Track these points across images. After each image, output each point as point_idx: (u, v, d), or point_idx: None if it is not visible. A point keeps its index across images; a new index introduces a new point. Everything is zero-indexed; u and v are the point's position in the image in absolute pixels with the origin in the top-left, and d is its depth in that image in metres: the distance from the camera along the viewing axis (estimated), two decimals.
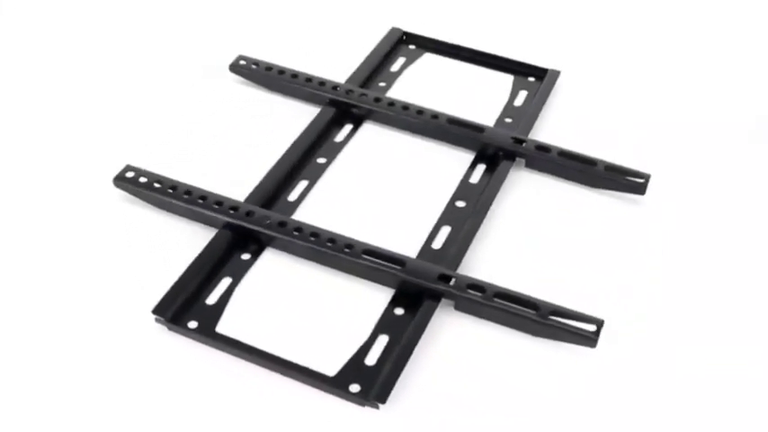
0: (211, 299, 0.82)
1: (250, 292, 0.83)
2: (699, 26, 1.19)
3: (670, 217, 0.92)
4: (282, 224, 0.86)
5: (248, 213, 0.87)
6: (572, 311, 0.78)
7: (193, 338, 0.79)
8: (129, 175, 0.91)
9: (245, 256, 0.86)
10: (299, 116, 1.02)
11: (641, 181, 0.92)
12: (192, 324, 0.79)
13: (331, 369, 0.76)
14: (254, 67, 1.07)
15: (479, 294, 0.80)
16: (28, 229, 0.89)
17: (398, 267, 0.82)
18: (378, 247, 0.84)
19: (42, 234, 0.89)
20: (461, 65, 1.12)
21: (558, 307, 0.79)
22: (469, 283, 0.81)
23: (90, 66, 1.11)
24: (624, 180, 0.93)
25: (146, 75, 1.09)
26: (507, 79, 1.09)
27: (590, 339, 0.77)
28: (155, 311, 0.79)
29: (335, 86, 1.03)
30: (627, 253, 0.88)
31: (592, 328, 0.78)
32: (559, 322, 0.78)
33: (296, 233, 0.85)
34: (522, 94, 1.07)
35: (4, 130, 1.01)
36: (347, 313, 0.81)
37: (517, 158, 0.96)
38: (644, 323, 0.81)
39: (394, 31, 1.15)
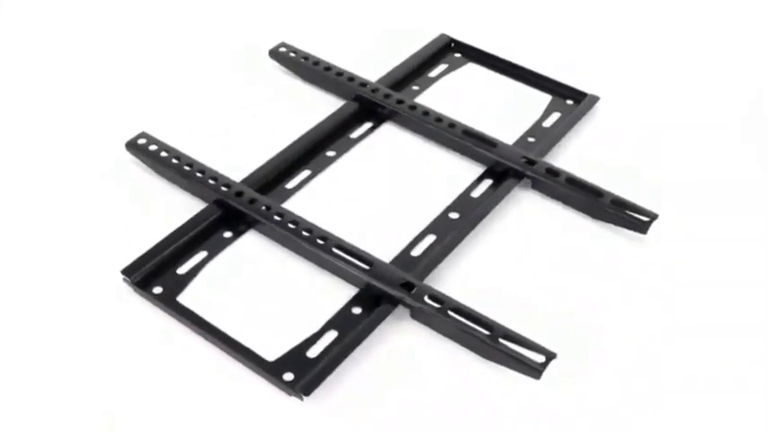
0: (183, 269, 0.85)
1: (221, 269, 0.85)
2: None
3: (669, 264, 0.87)
4: (267, 208, 0.87)
5: (238, 193, 0.89)
6: (525, 339, 0.76)
7: (153, 303, 0.81)
8: (141, 141, 0.95)
9: (227, 234, 0.88)
10: (323, 108, 1.03)
11: (645, 219, 0.88)
12: (157, 290, 0.82)
13: (272, 355, 0.77)
14: (292, 55, 1.09)
15: (436, 306, 0.78)
16: (34, 173, 0.95)
17: (365, 267, 0.82)
18: (351, 245, 0.84)
19: (48, 182, 0.94)
20: (502, 78, 1.10)
21: (512, 332, 0.77)
22: (431, 293, 0.79)
23: (146, 36, 1.16)
24: (628, 216, 0.88)
25: (193, 50, 1.13)
26: (544, 99, 1.07)
27: (535, 370, 0.74)
28: (124, 272, 0.82)
29: (364, 83, 1.04)
30: (613, 292, 0.84)
31: (540, 359, 0.75)
32: (508, 347, 0.75)
33: (277, 218, 0.86)
34: (555, 116, 1.04)
35: (51, 89, 1.07)
36: (306, 304, 0.82)
37: (525, 179, 0.94)
38: (599, 363, 0.77)
39: (442, 37, 1.14)
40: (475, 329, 0.77)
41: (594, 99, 1.04)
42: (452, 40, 1.14)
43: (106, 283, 0.83)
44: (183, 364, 0.77)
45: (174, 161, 0.93)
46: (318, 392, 0.74)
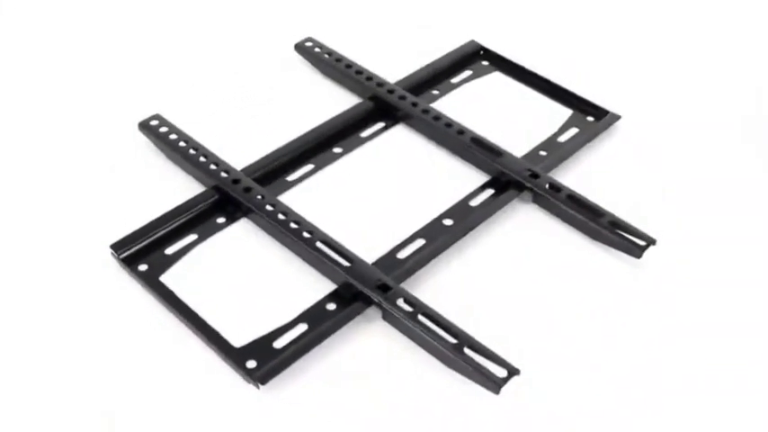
0: (171, 249, 0.86)
1: (208, 253, 0.87)
2: None
3: (663, 292, 0.84)
4: (260, 197, 0.88)
5: (235, 180, 0.90)
6: (490, 351, 0.75)
7: (136, 280, 0.83)
8: (154, 123, 0.98)
9: (221, 220, 0.90)
10: (339, 105, 1.04)
11: (641, 244, 0.85)
12: (142, 267, 0.84)
13: (240, 342, 0.77)
14: (316, 50, 1.10)
15: (407, 310, 0.78)
16: (51, 142, 0.99)
17: (345, 265, 0.82)
18: (335, 241, 0.84)
19: (62, 153, 0.98)
20: (526, 90, 1.08)
21: (479, 343, 0.76)
22: (405, 297, 0.79)
23: (182, 23, 1.19)
24: (624, 238, 0.86)
25: (223, 38, 1.16)
26: (565, 113, 1.05)
27: (495, 384, 0.73)
28: (112, 246, 0.84)
29: (381, 83, 1.04)
30: (598, 316, 0.81)
31: (502, 373, 0.73)
32: (470, 358, 0.74)
33: (268, 208, 0.87)
34: (572, 131, 1.01)
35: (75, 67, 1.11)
36: (284, 296, 0.82)
37: (526, 192, 0.92)
38: (568, 383, 0.76)
39: (471, 43, 1.13)
40: (441, 337, 0.76)
41: (615, 118, 1.02)
42: (482, 48, 1.13)
43: (97, 257, 0.85)
44: (154, 343, 0.79)
45: (182, 144, 0.95)
46: (277, 383, 0.75)
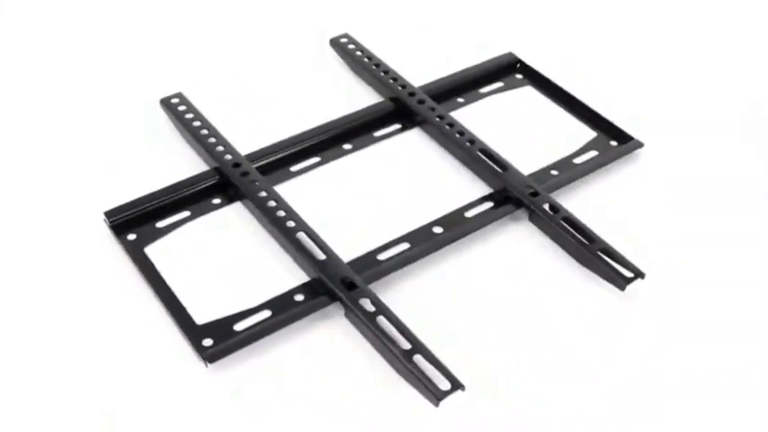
0: (162, 223, 0.89)
1: (196, 231, 0.89)
2: None
3: (648, 329, 0.81)
4: (253, 183, 0.90)
5: (235, 164, 0.92)
6: (440, 363, 0.74)
7: (121, 248, 0.86)
8: (175, 101, 1.01)
9: (216, 201, 0.92)
10: (361, 102, 1.04)
11: (627, 275, 0.82)
12: (131, 236, 0.87)
13: (203, 319, 0.79)
14: (350, 47, 1.11)
15: (368, 310, 0.78)
16: (75, 108, 1.04)
17: (318, 259, 0.82)
18: (315, 234, 0.85)
19: (84, 118, 1.03)
20: (555, 107, 1.06)
21: (431, 353, 0.75)
22: (370, 297, 0.79)
23: (226, 9, 1.22)
24: (610, 268, 0.83)
25: (263, 27, 1.18)
26: (589, 135, 1.02)
27: (434, 396, 0.72)
28: (106, 213, 0.88)
29: (404, 85, 1.04)
30: (572, 342, 0.79)
31: (445, 386, 0.72)
32: (416, 367, 0.73)
33: (260, 194, 0.89)
34: (591, 154, 0.99)
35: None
36: (259, 281, 0.83)
37: (524, 210, 0.90)
38: (517, 403, 0.74)
39: (508, 55, 1.12)
40: (394, 341, 0.75)
41: (637, 145, 0.99)
42: (519, 61, 1.11)
43: (94, 223, 0.88)
44: (126, 311, 0.81)
45: (195, 124, 0.97)
46: (227, 365, 0.76)
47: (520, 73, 1.11)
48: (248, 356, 0.77)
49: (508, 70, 1.11)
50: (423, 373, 0.73)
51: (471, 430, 0.72)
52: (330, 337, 0.79)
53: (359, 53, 1.09)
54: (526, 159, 0.97)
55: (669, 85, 1.10)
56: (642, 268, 0.83)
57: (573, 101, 1.05)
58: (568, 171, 0.95)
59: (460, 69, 1.09)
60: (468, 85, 1.08)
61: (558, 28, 1.20)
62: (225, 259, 0.86)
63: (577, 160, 0.98)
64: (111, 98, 1.06)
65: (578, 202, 0.93)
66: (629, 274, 0.83)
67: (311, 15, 1.20)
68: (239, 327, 0.79)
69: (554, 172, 0.95)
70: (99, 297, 0.82)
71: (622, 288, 0.82)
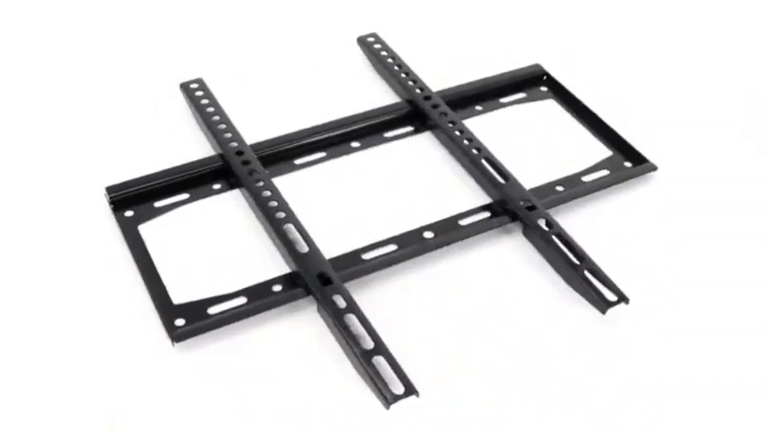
0: (160, 203, 0.91)
1: (191, 214, 0.90)
2: None
3: (623, 356, 0.78)
4: (251, 172, 0.91)
5: (239, 152, 0.94)
6: (398, 365, 0.74)
7: (116, 222, 0.88)
8: (194, 86, 1.03)
9: (216, 186, 0.93)
10: (379, 102, 1.05)
11: (610, 299, 0.80)
12: (128, 213, 0.89)
13: (180, 300, 0.81)
14: (376, 46, 1.11)
15: (337, 307, 0.78)
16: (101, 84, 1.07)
17: (299, 252, 0.83)
18: (302, 228, 0.85)
19: (105, 95, 1.06)
20: (574, 123, 1.04)
21: (391, 355, 0.75)
22: (343, 294, 0.79)
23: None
24: (593, 289, 0.81)
25: (296, 20, 1.19)
26: (604, 153, 0.99)
27: (386, 399, 0.72)
28: (108, 189, 0.90)
29: (422, 88, 1.04)
30: (545, 360, 0.78)
31: (399, 390, 0.72)
32: (374, 369, 0.73)
33: (257, 184, 0.90)
34: (601, 173, 0.96)
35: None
36: (242, 268, 0.84)
37: (518, 223, 0.89)
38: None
39: (535, 67, 1.10)
40: (358, 340, 0.75)
41: (650, 168, 0.96)
42: (545, 73, 1.09)
43: (86, 196, 0.91)
44: (108, 285, 0.83)
45: (209, 110, 0.99)
46: (194, 346, 0.77)
47: (545, 85, 1.09)
48: (218, 339, 0.79)
49: (533, 82, 1.09)
50: (378, 374, 0.73)
51: None
52: (300, 329, 0.80)
53: (383, 53, 1.10)
54: (535, 172, 0.95)
55: (694, 109, 1.06)
56: (631, 293, 0.81)
57: (593, 118, 1.03)
58: (574, 188, 0.93)
59: (485, 77, 1.08)
60: (489, 93, 1.07)
61: (591, 44, 1.17)
62: (214, 244, 0.87)
63: (586, 178, 0.95)
64: (139, 79, 1.09)
65: (581, 219, 0.91)
66: (612, 298, 0.81)
67: (345, 14, 1.21)
68: (213, 310, 0.80)
69: (559, 188, 0.94)
70: (86, 268, 0.84)
71: (603, 311, 0.80)
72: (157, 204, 0.91)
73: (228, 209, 0.91)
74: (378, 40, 1.12)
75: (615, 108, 1.05)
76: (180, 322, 0.78)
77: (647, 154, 0.98)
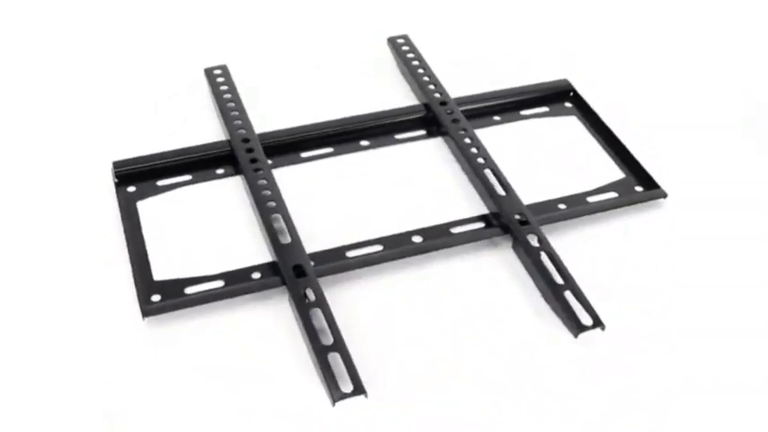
0: (163, 182, 0.93)
1: (191, 195, 0.92)
2: None
3: (594, 384, 0.76)
4: (253, 160, 0.93)
5: (245, 140, 0.95)
6: (352, 365, 0.74)
7: (117, 196, 0.91)
8: (217, 72, 1.05)
9: (219, 171, 0.95)
10: (398, 102, 1.05)
11: (585, 323, 0.79)
12: (130, 189, 0.92)
13: (161, 277, 0.83)
14: (404, 48, 1.11)
15: (305, 300, 0.79)
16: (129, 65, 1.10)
17: (281, 242, 0.84)
18: (289, 220, 0.86)
19: (129, 75, 1.09)
20: (593, 142, 1.02)
21: (348, 354, 0.75)
22: (314, 288, 0.80)
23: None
24: (569, 311, 0.79)
25: (331, 16, 1.21)
26: (617, 175, 0.97)
27: (332, 397, 0.72)
28: (114, 164, 0.93)
29: (441, 93, 1.03)
30: (502, 381, 0.76)
31: (348, 388, 0.72)
32: (327, 364, 0.74)
33: (255, 173, 0.91)
34: (608, 195, 0.94)
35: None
36: (228, 253, 0.86)
37: (509, 235, 0.88)
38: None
39: (563, 82, 1.08)
40: (317, 335, 0.76)
41: (660, 194, 0.93)
42: (572, 90, 1.07)
43: (95, 170, 0.94)
44: (97, 255, 0.86)
45: (226, 96, 1.01)
46: (164, 323, 0.79)
47: (570, 101, 1.07)
48: (193, 319, 0.80)
49: (558, 97, 1.07)
50: (329, 370, 0.73)
51: None
52: (272, 318, 0.81)
53: (410, 55, 1.09)
54: (542, 188, 0.94)
55: (719, 142, 1.02)
56: (611, 319, 0.79)
57: (612, 138, 1.00)
58: (576, 207, 0.91)
59: (508, 87, 1.07)
60: (510, 104, 1.05)
61: (623, 65, 1.14)
62: (205, 227, 0.89)
63: (592, 198, 0.93)
64: (173, 62, 1.11)
65: (579, 239, 0.90)
66: (587, 322, 0.78)
67: (382, 13, 1.21)
68: (190, 290, 0.81)
69: (561, 206, 0.92)
70: (79, 237, 0.87)
71: (575, 334, 0.78)
72: (160, 183, 0.93)
73: (227, 194, 0.93)
74: (407, 42, 1.12)
75: (639, 131, 1.02)
76: (156, 298, 0.80)
77: (663, 180, 0.95)
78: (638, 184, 0.95)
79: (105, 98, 1.05)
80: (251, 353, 0.78)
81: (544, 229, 0.89)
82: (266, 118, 1.01)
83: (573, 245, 0.89)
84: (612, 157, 0.99)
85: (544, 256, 0.85)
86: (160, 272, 0.83)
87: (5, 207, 0.90)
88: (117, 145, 0.98)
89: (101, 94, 1.06)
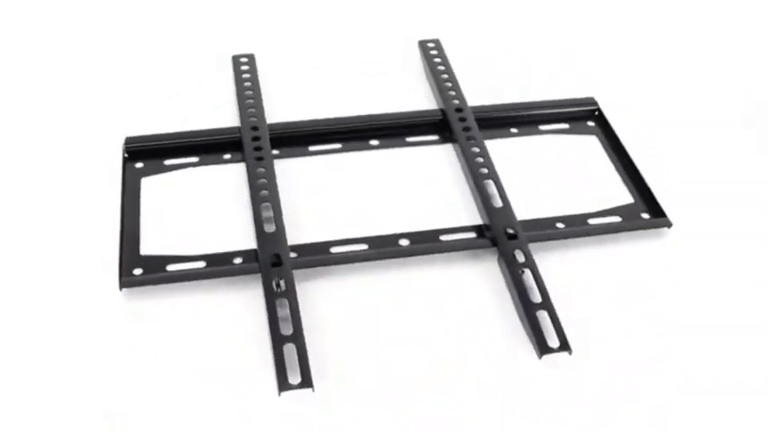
0: (170, 161, 0.96)
1: (194, 177, 0.95)
2: None
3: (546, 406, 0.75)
4: (258, 149, 0.94)
5: (254, 128, 0.97)
6: (305, 358, 0.75)
7: (123, 171, 0.94)
8: (243, 60, 1.07)
9: (226, 156, 0.97)
10: (417, 106, 1.05)
11: (552, 345, 0.77)
12: (138, 165, 0.95)
13: (148, 251, 0.85)
14: (433, 52, 1.11)
15: (273, 289, 0.80)
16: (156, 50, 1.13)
17: (265, 231, 0.85)
18: (278, 210, 0.87)
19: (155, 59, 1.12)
20: (608, 164, 0.99)
21: (303, 346, 0.76)
22: (286, 279, 0.81)
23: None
24: (537, 333, 0.78)
25: (366, 14, 1.21)
26: (625, 199, 0.94)
27: (279, 387, 0.73)
28: (127, 139, 0.96)
29: (459, 99, 1.03)
30: (458, 392, 0.76)
31: (296, 380, 0.73)
32: (281, 355, 0.75)
33: (258, 160, 0.93)
34: (612, 218, 0.91)
35: None
36: (217, 236, 0.88)
37: (497, 248, 0.87)
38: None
39: (589, 100, 1.06)
40: (278, 325, 0.77)
41: (664, 223, 0.90)
42: (597, 109, 1.05)
43: (109, 146, 0.97)
44: (92, 223, 0.89)
45: (246, 84, 1.03)
46: (139, 294, 0.81)
47: (593, 120, 1.04)
48: (171, 296, 0.82)
49: (582, 115, 1.05)
50: (282, 361, 0.74)
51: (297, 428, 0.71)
52: (244, 304, 0.82)
53: (436, 60, 1.09)
54: (544, 205, 0.92)
55: (739, 178, 0.98)
56: (581, 343, 0.77)
57: (628, 163, 0.98)
58: (574, 227, 0.89)
59: (532, 101, 1.05)
60: (530, 117, 1.03)
61: (653, 88, 1.10)
62: (202, 208, 0.91)
63: (594, 220, 0.91)
64: (206, 47, 1.14)
65: (571, 260, 0.87)
66: (553, 345, 0.77)
67: (417, 16, 1.21)
68: (171, 267, 0.83)
69: (560, 225, 0.90)
70: (78, 206, 0.90)
71: (539, 355, 0.76)
72: (167, 162, 0.96)
73: (229, 179, 0.94)
74: (437, 46, 1.11)
75: (659, 158, 0.99)
76: (138, 271, 0.82)
77: (673, 210, 0.91)
78: (645, 211, 0.92)
79: (135, 77, 1.08)
80: (217, 335, 0.79)
81: (538, 246, 0.87)
82: (284, 109, 1.02)
83: (564, 265, 0.87)
84: (625, 182, 0.96)
85: (528, 273, 0.83)
86: (148, 247, 0.85)
87: (22, 166, 0.94)
88: (136, 122, 1.01)
89: (133, 72, 1.09)
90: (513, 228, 0.87)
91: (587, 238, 0.90)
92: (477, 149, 0.96)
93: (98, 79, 1.08)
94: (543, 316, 0.79)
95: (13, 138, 0.99)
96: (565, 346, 0.76)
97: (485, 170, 0.93)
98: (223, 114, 1.03)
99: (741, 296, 0.84)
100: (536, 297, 0.81)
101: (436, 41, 1.12)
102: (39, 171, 0.95)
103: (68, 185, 0.93)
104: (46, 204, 0.91)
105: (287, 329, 0.76)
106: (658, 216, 0.91)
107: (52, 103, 1.04)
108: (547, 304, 0.80)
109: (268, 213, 0.87)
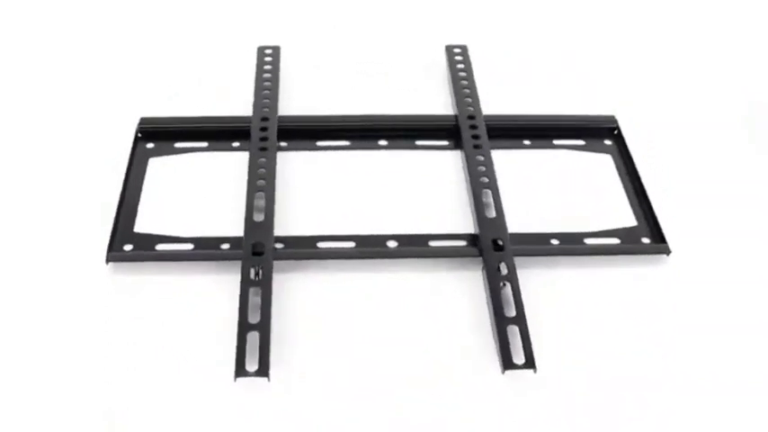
0: (180, 144, 0.98)
1: (200, 161, 0.97)
2: None
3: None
4: (263, 139, 0.96)
5: (264, 118, 0.98)
6: (266, 348, 0.76)
7: (133, 149, 0.97)
8: (268, 51, 1.09)
9: (235, 144, 0.99)
10: (434, 110, 1.04)
11: (517, 362, 0.76)
12: (149, 145, 0.98)
13: (141, 229, 0.88)
14: (456, 57, 1.10)
15: (249, 278, 0.81)
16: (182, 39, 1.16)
17: (253, 219, 0.86)
18: (270, 201, 0.88)
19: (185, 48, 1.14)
20: (617, 185, 0.96)
21: (267, 336, 0.77)
22: (264, 270, 0.82)
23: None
24: (504, 347, 0.77)
25: (397, 16, 1.21)
26: (628, 222, 0.92)
27: (235, 373, 0.74)
28: (142, 119, 0.99)
29: (473, 107, 1.02)
30: (420, 401, 0.76)
31: (253, 368, 0.74)
32: (244, 342, 0.76)
33: (260, 150, 0.94)
34: (610, 240, 0.89)
35: None
36: (212, 220, 0.89)
37: (481, 258, 0.86)
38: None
39: (609, 118, 1.03)
40: (243, 313, 0.78)
41: (663, 250, 0.88)
42: (617, 127, 1.02)
43: (123, 127, 1.00)
44: (93, 197, 0.92)
45: (266, 75, 1.05)
46: (126, 273, 0.84)
47: (610, 139, 1.02)
48: (157, 274, 0.84)
49: (599, 132, 1.02)
50: (243, 347, 0.75)
51: (250, 415, 0.72)
52: (223, 288, 0.83)
53: (459, 66, 1.08)
54: (543, 220, 0.91)
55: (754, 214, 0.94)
56: (549, 363, 0.76)
57: (639, 185, 0.95)
58: (568, 245, 0.88)
59: (549, 114, 1.03)
60: (545, 129, 1.02)
61: (676, 112, 1.07)
62: (202, 193, 0.93)
63: (590, 240, 0.89)
64: (238, 37, 1.16)
65: (561, 278, 0.86)
66: (518, 361, 0.75)
67: (451, 21, 1.20)
68: (160, 247, 0.86)
69: (554, 241, 0.88)
70: (84, 180, 0.93)
71: (502, 371, 0.75)
72: (177, 145, 0.98)
73: (234, 167, 0.96)
74: (463, 52, 1.11)
75: (672, 184, 0.96)
76: (128, 247, 0.85)
77: (675, 239, 0.89)
78: (646, 236, 0.90)
79: (166, 61, 1.11)
80: (193, 315, 0.81)
81: (530, 261, 0.86)
82: (301, 103, 1.04)
83: (553, 282, 0.85)
84: (632, 204, 0.94)
85: (508, 287, 0.82)
86: (142, 225, 0.88)
87: (41, 134, 0.98)
88: (155, 104, 1.03)
89: (164, 57, 1.12)
90: (501, 239, 0.86)
91: (583, 258, 0.88)
92: (481, 158, 0.95)
93: (128, 61, 1.11)
94: (514, 331, 0.78)
95: (43, 110, 1.03)
96: (530, 363, 0.75)
97: (485, 179, 0.92)
98: (242, 104, 1.04)
99: (727, 336, 0.81)
100: (511, 311, 0.80)
101: (463, 47, 1.11)
102: (58, 144, 0.98)
103: (84, 160, 0.96)
104: (56, 174, 0.94)
105: (255, 317, 0.77)
106: (659, 242, 0.88)
107: (83, 82, 1.08)
108: (520, 320, 0.79)
109: (260, 203, 0.88)
